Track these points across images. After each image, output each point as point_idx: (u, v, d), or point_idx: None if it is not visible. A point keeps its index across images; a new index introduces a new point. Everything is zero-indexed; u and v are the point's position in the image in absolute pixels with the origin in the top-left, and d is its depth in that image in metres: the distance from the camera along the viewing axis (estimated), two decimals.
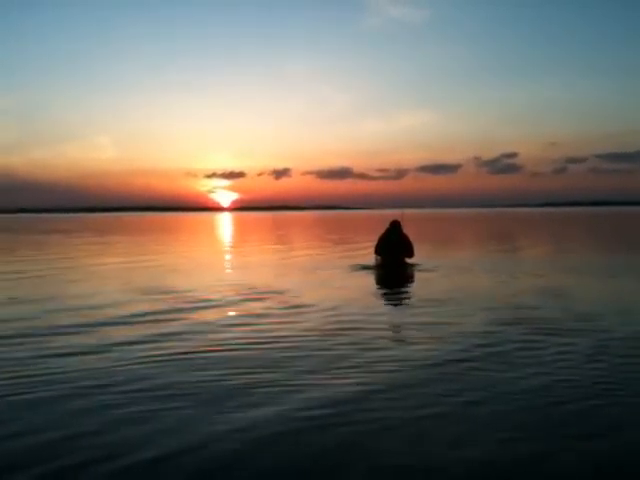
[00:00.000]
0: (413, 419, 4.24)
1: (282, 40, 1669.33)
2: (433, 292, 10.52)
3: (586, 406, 4.47)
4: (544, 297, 9.68)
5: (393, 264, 14.60)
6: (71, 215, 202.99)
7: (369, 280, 12.86)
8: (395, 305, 9.72)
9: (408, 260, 14.89)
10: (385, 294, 11.05)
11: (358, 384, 5.04)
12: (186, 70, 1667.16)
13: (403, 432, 4.01)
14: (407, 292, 11.13)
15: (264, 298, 9.82)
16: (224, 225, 66.69)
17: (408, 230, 15.67)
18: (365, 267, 14.60)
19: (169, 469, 3.51)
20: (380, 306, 9.60)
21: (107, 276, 14.15)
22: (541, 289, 10.66)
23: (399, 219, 15.27)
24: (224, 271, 15.75)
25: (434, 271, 13.69)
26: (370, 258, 15.33)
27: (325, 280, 12.44)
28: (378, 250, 14.91)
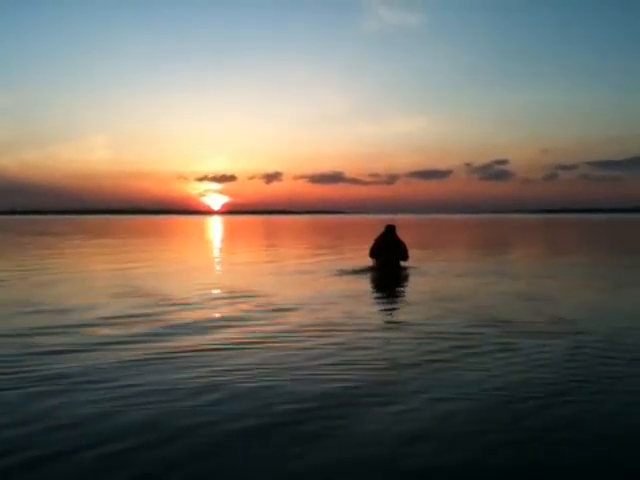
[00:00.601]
0: (378, 414, 4.35)
1: (277, 43, 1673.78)
2: (422, 294, 10.59)
3: (549, 402, 4.58)
4: (524, 300, 9.78)
5: (388, 267, 14.58)
6: (63, 217, 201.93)
7: (362, 282, 12.76)
8: (384, 305, 9.77)
9: (402, 263, 14.91)
10: (376, 296, 11.08)
11: (333, 381, 5.12)
12: (180, 72, 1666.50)
13: (365, 428, 4.09)
14: (398, 293, 11.23)
15: (247, 301, 9.68)
16: (215, 229, 66.58)
17: (401, 235, 15.67)
18: (359, 270, 14.56)
19: (139, 459, 3.59)
20: (368, 306, 9.52)
21: (92, 278, 14.02)
22: (522, 293, 10.67)
23: (393, 224, 15.36)
24: (210, 274, 15.35)
25: (426, 274, 13.77)
26: (364, 261, 15.36)
27: (315, 283, 12.35)
28: (373, 253, 14.92)
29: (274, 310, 8.75)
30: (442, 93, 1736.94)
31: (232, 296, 10.28)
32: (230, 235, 46.02)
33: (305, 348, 6.29)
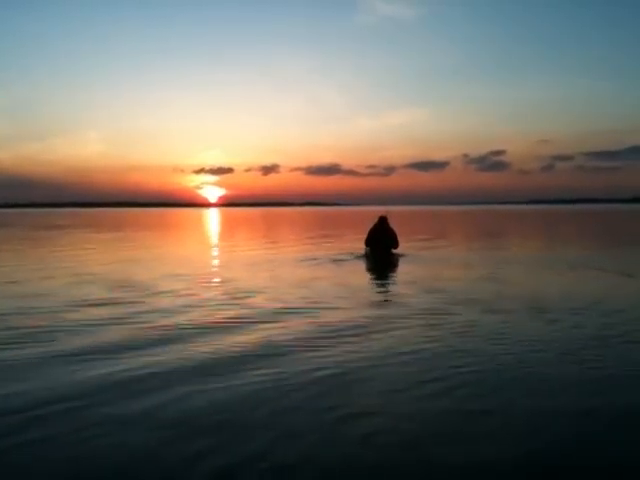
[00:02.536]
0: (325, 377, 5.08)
1: (272, 37, 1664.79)
2: (404, 276, 12.20)
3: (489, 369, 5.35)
4: (488, 282, 11.02)
5: (380, 254, 16.01)
6: (60, 210, 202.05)
7: (357, 266, 14.15)
8: (371, 285, 11.32)
9: (393, 250, 16.36)
10: (367, 277, 12.64)
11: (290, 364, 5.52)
12: (175, 67, 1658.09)
13: (305, 392, 4.70)
14: (384, 276, 12.64)
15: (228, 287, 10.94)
16: (218, 221, 67.27)
17: (395, 225, 17.12)
18: (356, 256, 15.96)
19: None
20: (359, 285, 11.01)
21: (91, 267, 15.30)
22: (489, 277, 11.78)
23: (385, 215, 16.76)
24: (208, 264, 16.10)
25: (411, 261, 15.11)
26: (359, 248, 16.90)
27: (318, 268, 13.66)
28: (367, 242, 16.40)
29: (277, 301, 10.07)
30: (439, 85, 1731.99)
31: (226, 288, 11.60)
32: (230, 227, 46.96)
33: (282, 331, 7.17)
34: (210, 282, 11.52)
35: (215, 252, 20.18)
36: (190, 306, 8.53)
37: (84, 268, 13.91)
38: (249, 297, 9.31)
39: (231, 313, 7.99)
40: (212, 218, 78.60)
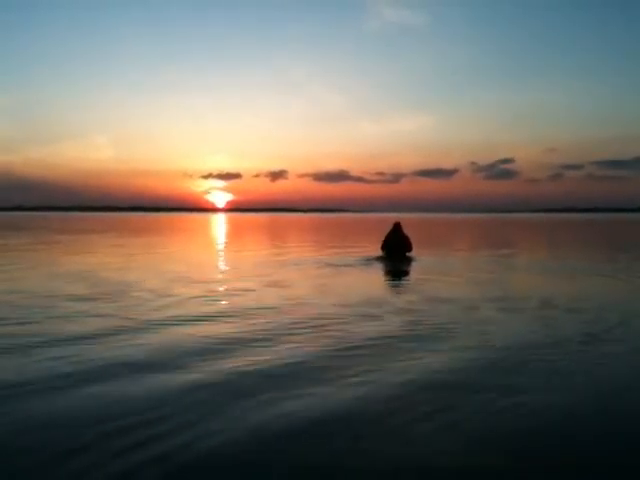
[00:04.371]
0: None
1: (280, 42, 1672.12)
2: (418, 275, 13.54)
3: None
4: (476, 285, 12.03)
5: (395, 256, 17.43)
6: (69, 214, 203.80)
7: (376, 268, 15.36)
8: (388, 282, 12.52)
9: (408, 254, 17.81)
10: (385, 277, 13.81)
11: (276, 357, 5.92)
12: (184, 71, 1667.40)
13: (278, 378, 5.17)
14: (400, 275, 14.00)
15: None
16: (227, 226, 68.51)
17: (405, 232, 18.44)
18: (373, 258, 17.25)
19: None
20: (378, 283, 12.25)
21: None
22: (482, 281, 12.76)
23: (399, 221, 18.30)
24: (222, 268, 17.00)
25: (423, 263, 16.31)
26: (376, 252, 18.27)
27: (339, 271, 14.82)
28: (384, 246, 17.81)
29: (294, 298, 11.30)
30: (446, 92, 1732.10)
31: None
32: (241, 233, 47.95)
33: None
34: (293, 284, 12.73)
35: (253, 256, 21.15)
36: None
37: (168, 271, 14.14)
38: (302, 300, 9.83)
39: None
40: (224, 223, 79.85)
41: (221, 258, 19.75)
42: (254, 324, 7.55)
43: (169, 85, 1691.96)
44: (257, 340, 6.62)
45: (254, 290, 10.83)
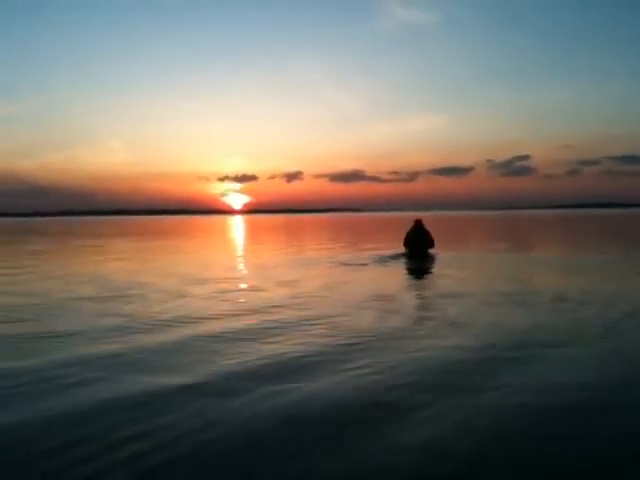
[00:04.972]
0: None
1: (294, 44, 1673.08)
2: (440, 269, 14.07)
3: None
4: (492, 279, 12.67)
5: (417, 253, 17.94)
6: (86, 218, 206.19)
7: (399, 264, 15.92)
8: (413, 275, 13.08)
9: (429, 250, 18.26)
10: (408, 271, 14.35)
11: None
12: (198, 73, 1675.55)
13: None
14: (423, 269, 14.50)
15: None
16: (241, 227, 69.20)
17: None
18: (397, 255, 17.81)
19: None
20: (401, 277, 12.79)
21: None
22: (496, 275, 13.64)
23: (420, 219, 18.83)
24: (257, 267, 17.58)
25: (443, 259, 16.91)
26: (399, 249, 18.84)
27: (367, 266, 15.47)
28: (406, 243, 18.32)
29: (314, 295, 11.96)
30: (460, 90, 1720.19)
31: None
32: (272, 233, 47.66)
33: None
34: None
35: (286, 256, 21.81)
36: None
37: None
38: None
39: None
40: (242, 225, 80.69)
41: (250, 260, 20.28)
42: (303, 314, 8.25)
43: (184, 88, 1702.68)
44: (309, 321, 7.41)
45: (298, 291, 11.39)
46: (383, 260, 16.73)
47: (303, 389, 4.89)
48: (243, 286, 12.07)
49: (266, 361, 5.79)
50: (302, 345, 6.44)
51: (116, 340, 6.83)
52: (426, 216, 30.93)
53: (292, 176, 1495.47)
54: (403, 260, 16.76)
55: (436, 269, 14.86)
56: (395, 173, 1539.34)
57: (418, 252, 18.03)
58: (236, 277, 13.96)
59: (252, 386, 4.94)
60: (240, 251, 24.41)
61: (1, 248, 28.55)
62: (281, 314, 8.36)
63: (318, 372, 5.38)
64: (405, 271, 14.72)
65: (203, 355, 6.08)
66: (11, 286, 12.36)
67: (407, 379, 5.13)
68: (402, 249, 18.53)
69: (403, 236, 18.89)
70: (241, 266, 17.40)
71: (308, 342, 6.59)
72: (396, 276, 13.43)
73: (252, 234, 45.60)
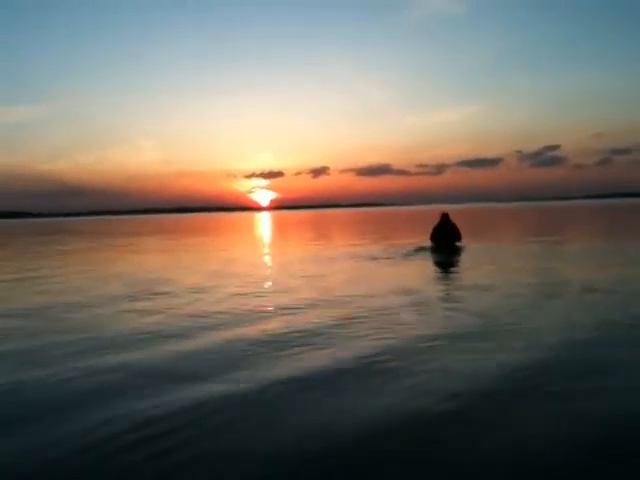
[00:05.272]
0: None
1: (319, 38, 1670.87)
2: (467, 262, 14.40)
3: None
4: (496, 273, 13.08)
5: (445, 246, 18.29)
6: (117, 217, 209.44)
7: (426, 256, 16.18)
8: (442, 267, 13.37)
9: (457, 244, 18.54)
10: (436, 263, 14.61)
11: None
12: (225, 71, 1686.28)
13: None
14: (450, 262, 14.80)
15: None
16: (269, 224, 69.61)
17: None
18: (425, 248, 18.19)
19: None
20: (433, 266, 13.12)
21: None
22: (518, 268, 13.99)
23: (447, 212, 19.03)
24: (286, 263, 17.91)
25: (471, 251, 17.22)
26: (427, 242, 19.12)
27: (401, 258, 15.82)
28: (433, 237, 18.57)
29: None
30: (488, 80, 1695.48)
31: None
32: (304, 229, 47.65)
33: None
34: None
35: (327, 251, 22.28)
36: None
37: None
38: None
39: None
40: (270, 222, 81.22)
41: (278, 257, 20.70)
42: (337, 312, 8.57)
43: (212, 86, 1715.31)
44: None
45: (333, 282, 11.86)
46: (409, 254, 16.96)
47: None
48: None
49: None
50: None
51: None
52: (453, 209, 30.96)
53: (318, 171, 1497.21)
54: (429, 253, 16.99)
55: (462, 262, 15.06)
56: (422, 166, 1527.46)
57: (445, 245, 18.28)
58: (267, 275, 14.42)
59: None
60: (268, 248, 24.85)
61: (47, 248, 29.47)
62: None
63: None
64: (432, 264, 14.94)
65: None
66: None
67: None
68: (429, 243, 18.75)
69: (430, 230, 19.13)
70: (270, 263, 17.88)
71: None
72: (422, 269, 13.68)
73: (280, 230, 46.14)
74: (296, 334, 6.93)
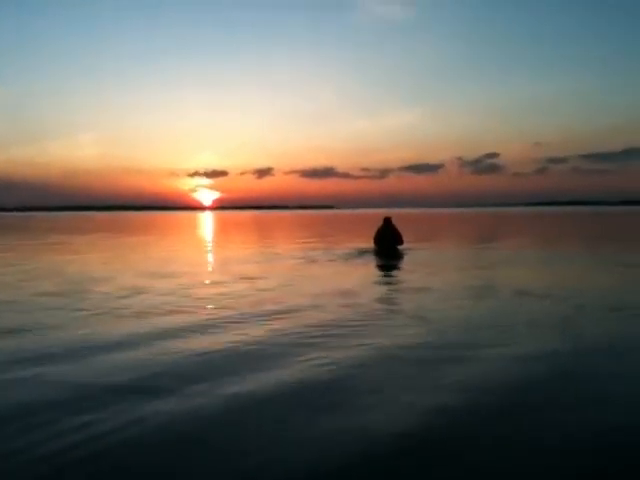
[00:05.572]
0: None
1: (267, 38, 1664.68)
2: (408, 265, 14.46)
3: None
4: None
5: (387, 249, 18.48)
6: (53, 214, 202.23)
7: (369, 259, 16.30)
8: (381, 270, 13.46)
9: (399, 247, 18.76)
10: (379, 265, 14.73)
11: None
12: (170, 68, 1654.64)
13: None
14: (391, 265, 14.82)
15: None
16: (212, 224, 69.06)
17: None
18: (367, 250, 18.37)
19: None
20: (373, 269, 13.20)
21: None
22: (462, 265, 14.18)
23: (390, 216, 19.18)
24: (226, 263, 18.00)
25: (412, 255, 17.38)
26: (369, 245, 19.31)
27: (341, 260, 15.86)
28: (376, 240, 18.79)
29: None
30: (433, 87, 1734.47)
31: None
32: (225, 230, 48.83)
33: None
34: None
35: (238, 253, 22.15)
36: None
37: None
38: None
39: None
40: (212, 222, 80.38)
41: (221, 256, 20.44)
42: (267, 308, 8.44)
43: (155, 82, 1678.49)
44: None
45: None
46: (352, 256, 17.06)
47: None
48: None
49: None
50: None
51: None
52: (396, 213, 31.40)
53: (263, 172, 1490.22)
54: (372, 256, 17.10)
55: (403, 265, 15.24)
56: (366, 170, 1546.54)
57: (387, 249, 18.46)
58: (208, 272, 14.13)
59: None
60: (209, 248, 24.48)
61: None
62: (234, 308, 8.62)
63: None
64: (373, 267, 15.08)
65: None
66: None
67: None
68: (372, 245, 18.97)
69: (373, 233, 19.36)
70: (214, 261, 17.58)
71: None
72: (363, 271, 13.73)
73: (222, 231, 45.59)
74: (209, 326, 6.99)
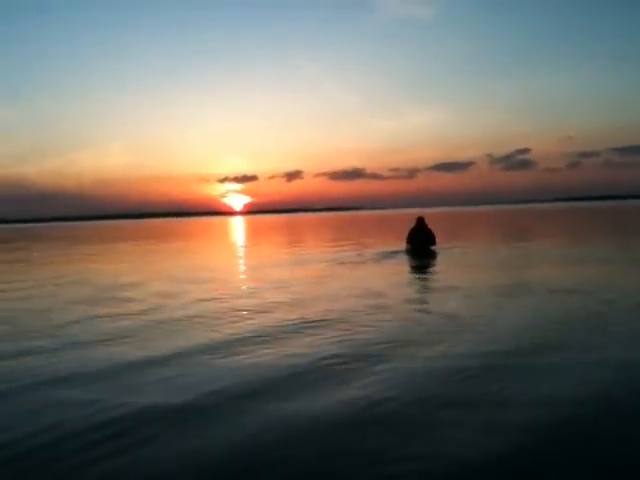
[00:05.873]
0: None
1: (291, 41, 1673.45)
2: (442, 265, 14.81)
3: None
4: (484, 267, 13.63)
5: (420, 249, 18.78)
6: (86, 223, 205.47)
7: (402, 259, 16.64)
8: (416, 270, 13.85)
9: (431, 247, 19.11)
10: (413, 265, 15.03)
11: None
12: (196, 74, 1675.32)
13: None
14: (425, 265, 15.20)
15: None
16: (243, 228, 69.44)
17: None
18: (400, 251, 18.72)
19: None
20: (408, 269, 13.55)
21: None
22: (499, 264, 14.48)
23: (423, 216, 19.65)
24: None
25: (445, 255, 17.51)
26: (402, 246, 19.55)
27: (376, 261, 16.25)
28: (409, 240, 19.06)
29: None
30: (456, 85, 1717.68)
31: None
32: (277, 233, 48.05)
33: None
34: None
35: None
36: None
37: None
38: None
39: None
40: (245, 226, 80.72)
41: (254, 262, 20.86)
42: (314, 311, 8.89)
43: (182, 88, 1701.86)
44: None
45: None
46: (385, 257, 17.32)
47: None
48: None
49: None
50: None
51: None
52: (426, 212, 31.43)
53: (292, 175, 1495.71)
54: (405, 257, 17.41)
55: (437, 265, 15.48)
56: (395, 170, 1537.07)
57: (420, 248, 18.74)
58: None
59: None
60: (241, 253, 25.04)
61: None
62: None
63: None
64: (407, 267, 15.37)
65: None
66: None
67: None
68: (404, 246, 19.22)
69: (405, 233, 19.63)
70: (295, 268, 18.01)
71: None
72: (398, 272, 14.02)
73: (253, 235, 46.13)
74: (255, 337, 7.11)
